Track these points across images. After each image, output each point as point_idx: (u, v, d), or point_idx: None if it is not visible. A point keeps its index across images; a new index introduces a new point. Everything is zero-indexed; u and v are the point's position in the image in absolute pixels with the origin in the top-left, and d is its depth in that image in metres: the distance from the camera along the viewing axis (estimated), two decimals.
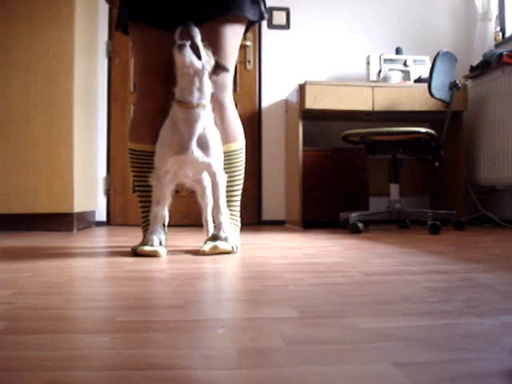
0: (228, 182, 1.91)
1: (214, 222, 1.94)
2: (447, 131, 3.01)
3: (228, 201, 1.92)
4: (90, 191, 3.45)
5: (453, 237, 2.52)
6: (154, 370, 0.64)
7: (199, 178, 1.97)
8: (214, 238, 1.83)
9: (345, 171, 3.38)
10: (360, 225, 2.79)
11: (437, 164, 2.98)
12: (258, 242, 2.32)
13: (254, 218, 3.67)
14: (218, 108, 1.90)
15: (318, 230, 3.02)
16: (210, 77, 1.77)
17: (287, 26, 3.82)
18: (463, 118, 3.37)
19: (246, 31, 2.03)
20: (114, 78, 3.70)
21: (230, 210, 1.94)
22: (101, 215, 3.65)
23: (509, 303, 1.02)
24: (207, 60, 1.72)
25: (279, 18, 3.77)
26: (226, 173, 1.89)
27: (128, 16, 1.94)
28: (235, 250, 1.83)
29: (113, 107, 3.70)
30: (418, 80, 3.47)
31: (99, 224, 3.60)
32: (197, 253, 1.85)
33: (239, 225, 2.06)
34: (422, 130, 2.87)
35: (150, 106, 1.92)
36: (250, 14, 1.92)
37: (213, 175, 1.82)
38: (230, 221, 1.93)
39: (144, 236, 1.91)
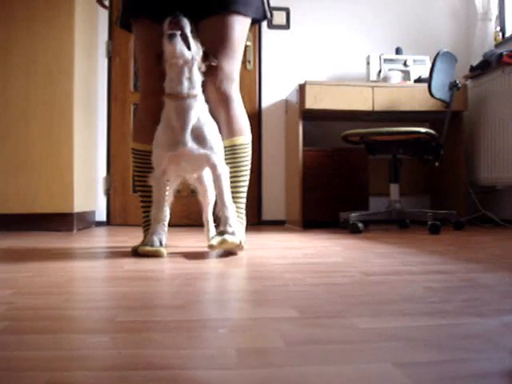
0: (232, 177, 1.85)
1: (215, 220, 1.90)
2: (447, 131, 3.01)
3: (233, 197, 1.84)
4: (90, 191, 3.45)
5: (453, 237, 2.52)
6: (153, 370, 0.64)
7: (201, 178, 1.94)
8: (222, 232, 1.74)
9: (345, 171, 3.38)
10: (360, 225, 2.79)
11: (437, 164, 2.98)
12: (258, 242, 2.32)
13: (254, 218, 3.67)
14: (224, 100, 1.86)
15: (318, 230, 3.02)
16: (200, 68, 1.75)
17: (287, 26, 3.82)
18: (463, 117, 3.37)
19: (250, 27, 2.00)
20: (114, 78, 3.70)
21: (236, 207, 1.86)
22: (101, 215, 3.65)
23: (509, 303, 1.02)
24: (196, 51, 1.71)
25: (279, 18, 3.77)
26: (231, 168, 1.83)
27: (132, 12, 1.91)
28: (242, 244, 1.76)
29: (113, 107, 3.70)
30: (418, 80, 3.47)
31: (99, 224, 3.60)
32: (197, 253, 1.85)
33: (245, 223, 1.98)
34: (422, 130, 2.87)
35: (154, 106, 1.88)
36: (254, 13, 1.90)
37: (213, 168, 1.75)
38: (236, 216, 1.85)
39: (145, 236, 1.91)
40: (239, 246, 1.74)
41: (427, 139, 2.92)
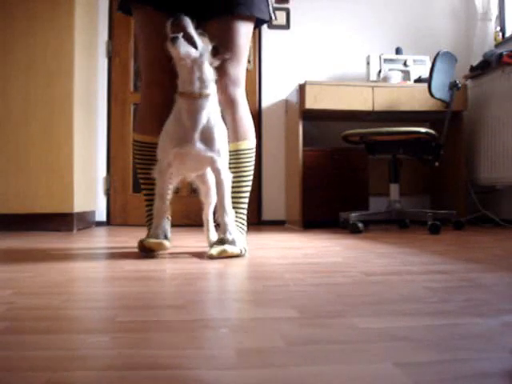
0: (235, 182, 1.83)
1: (215, 223, 1.90)
2: (447, 131, 3.01)
3: (234, 202, 1.83)
4: (90, 191, 3.45)
5: (453, 237, 2.52)
6: (154, 370, 0.64)
7: (204, 178, 1.92)
8: (221, 241, 1.72)
9: (345, 171, 3.38)
10: (360, 225, 2.79)
11: (437, 164, 2.98)
12: (258, 242, 2.32)
13: (254, 218, 3.67)
14: (229, 103, 1.86)
15: (318, 230, 3.02)
16: (211, 63, 1.71)
17: (287, 26, 3.82)
18: (463, 117, 3.37)
19: (254, 29, 1.96)
20: (113, 78, 3.70)
21: (236, 213, 1.86)
22: (101, 215, 3.65)
23: (509, 303, 1.02)
24: (204, 47, 1.68)
25: (279, 18, 3.76)
26: (233, 173, 1.81)
27: None
28: (243, 252, 1.76)
29: (113, 107, 3.70)
30: (418, 80, 3.47)
31: (99, 224, 3.60)
32: (197, 253, 1.85)
33: (245, 229, 1.95)
34: (422, 130, 2.87)
35: (155, 97, 1.87)
36: (259, 14, 1.88)
37: (217, 172, 1.74)
38: (236, 224, 1.83)
39: (149, 230, 1.91)
40: (240, 256, 1.74)
41: (427, 139, 2.92)
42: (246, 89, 1.98)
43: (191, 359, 0.68)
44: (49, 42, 2.99)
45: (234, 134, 1.89)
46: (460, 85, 3.01)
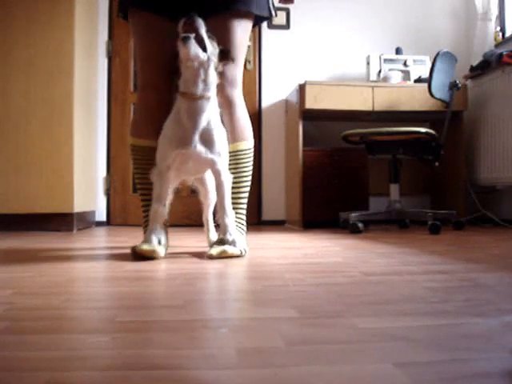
0: (234, 183, 1.83)
1: (215, 223, 1.90)
2: (447, 131, 3.01)
3: (233, 203, 1.83)
4: (90, 191, 3.45)
5: (453, 237, 2.52)
6: (154, 370, 0.64)
7: (203, 180, 1.92)
8: (221, 241, 1.73)
9: (345, 171, 3.38)
10: (360, 225, 2.79)
11: (437, 164, 2.98)
12: (258, 242, 2.32)
13: (254, 218, 3.67)
14: (226, 104, 1.86)
15: (318, 230, 3.02)
16: (216, 68, 1.71)
17: (287, 26, 3.82)
18: (463, 117, 3.37)
19: (253, 27, 1.96)
20: (114, 78, 3.70)
21: (236, 214, 1.86)
22: (101, 215, 3.65)
23: (509, 303, 1.02)
24: (212, 51, 1.68)
25: (279, 18, 3.77)
26: (233, 173, 1.81)
27: (131, 2, 1.86)
28: (244, 253, 1.76)
29: (113, 107, 3.70)
30: (418, 80, 3.47)
31: (99, 224, 3.60)
32: (197, 253, 1.85)
33: (245, 229, 1.96)
34: (422, 130, 2.87)
35: (151, 100, 1.86)
36: (257, 11, 1.87)
37: (217, 174, 1.74)
38: (235, 225, 1.83)
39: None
40: (239, 256, 1.74)
41: (427, 139, 2.92)
42: (246, 89, 1.98)
43: (191, 359, 0.68)
44: (49, 41, 2.99)
45: (232, 135, 1.89)
46: (460, 85, 3.00)
